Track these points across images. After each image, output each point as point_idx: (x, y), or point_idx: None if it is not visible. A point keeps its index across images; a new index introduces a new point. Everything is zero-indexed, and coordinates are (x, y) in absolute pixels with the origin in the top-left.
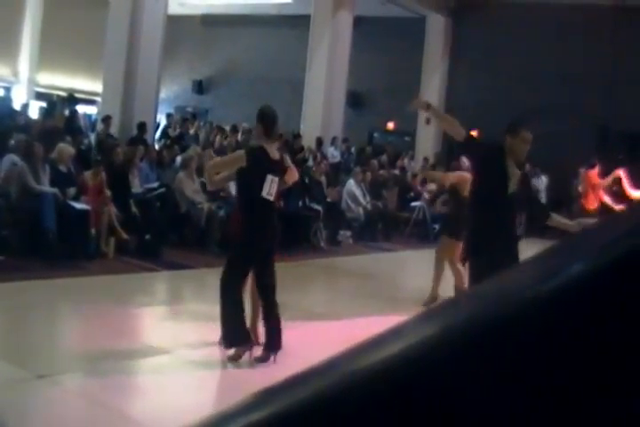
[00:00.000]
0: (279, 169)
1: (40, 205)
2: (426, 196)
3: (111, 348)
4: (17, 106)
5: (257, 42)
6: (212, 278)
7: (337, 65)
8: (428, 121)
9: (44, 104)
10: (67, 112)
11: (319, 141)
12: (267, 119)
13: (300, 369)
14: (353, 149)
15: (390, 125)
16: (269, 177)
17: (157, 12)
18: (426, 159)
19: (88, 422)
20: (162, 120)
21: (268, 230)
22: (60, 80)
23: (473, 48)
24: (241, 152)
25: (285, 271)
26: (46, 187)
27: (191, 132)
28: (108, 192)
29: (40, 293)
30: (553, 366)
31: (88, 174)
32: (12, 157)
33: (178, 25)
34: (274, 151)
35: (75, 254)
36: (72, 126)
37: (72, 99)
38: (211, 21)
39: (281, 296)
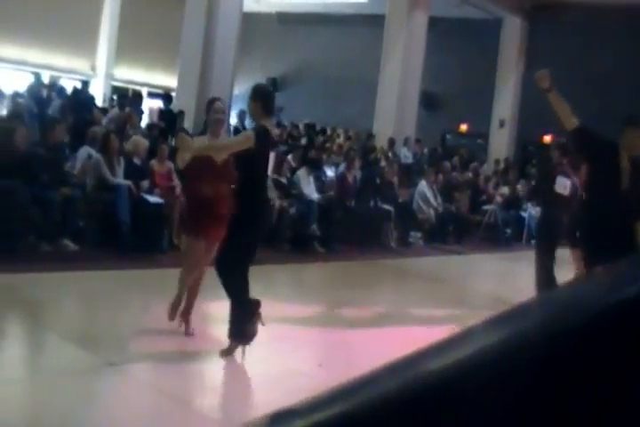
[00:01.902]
0: (276, 145)
1: (115, 197)
2: (498, 199)
3: (180, 340)
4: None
5: (332, 41)
6: (281, 275)
7: (411, 65)
8: (501, 124)
9: (116, 97)
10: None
11: (391, 142)
12: (265, 96)
13: (368, 368)
14: (425, 150)
15: (463, 127)
16: (272, 155)
17: (233, 9)
18: (497, 162)
19: (154, 411)
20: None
21: (269, 207)
22: (136, 75)
23: (549, 50)
24: (250, 133)
25: (354, 270)
26: (121, 179)
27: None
28: (177, 182)
29: (113, 283)
30: (626, 372)
31: (154, 162)
32: (88, 149)
33: (253, 22)
34: (273, 129)
35: (148, 247)
36: (170, 124)
37: (168, 97)
38: (286, 19)
39: (348, 294)
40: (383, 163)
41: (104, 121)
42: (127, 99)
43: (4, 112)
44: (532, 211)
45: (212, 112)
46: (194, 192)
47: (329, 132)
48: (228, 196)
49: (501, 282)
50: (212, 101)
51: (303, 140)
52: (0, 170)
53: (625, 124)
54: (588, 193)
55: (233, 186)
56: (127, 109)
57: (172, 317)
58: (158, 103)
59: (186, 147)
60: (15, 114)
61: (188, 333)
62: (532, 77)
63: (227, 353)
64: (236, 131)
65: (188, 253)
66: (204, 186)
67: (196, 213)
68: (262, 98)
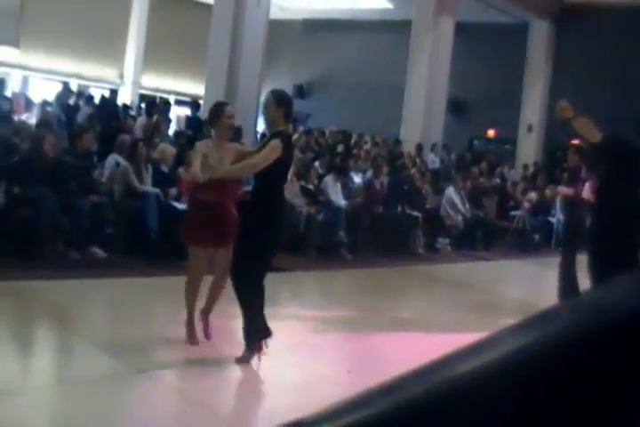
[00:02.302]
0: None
1: (143, 204)
2: (526, 205)
3: (209, 347)
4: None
5: (358, 47)
6: (308, 282)
7: (438, 71)
8: (529, 129)
9: (143, 106)
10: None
11: (419, 148)
12: (288, 103)
13: (393, 374)
14: (453, 156)
15: (491, 133)
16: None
17: (259, 17)
18: (525, 167)
19: (182, 418)
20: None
21: (286, 215)
22: (164, 83)
23: (576, 54)
24: (278, 143)
25: (382, 276)
26: (149, 187)
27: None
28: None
29: (141, 290)
30: None
31: (182, 169)
32: (116, 157)
33: (279, 29)
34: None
35: (176, 254)
36: (197, 131)
37: (196, 105)
38: (312, 26)
39: (375, 300)
40: (413, 170)
41: (135, 129)
42: (155, 106)
43: (34, 120)
44: (560, 216)
45: (223, 117)
46: (192, 197)
47: (355, 138)
48: (231, 202)
49: (530, 288)
50: (221, 106)
51: (340, 148)
52: (29, 178)
53: None
54: (607, 198)
55: (247, 190)
56: (155, 117)
57: (192, 339)
58: (186, 111)
59: (213, 173)
60: (44, 122)
61: (206, 335)
62: (561, 83)
63: (241, 360)
64: (264, 137)
65: (189, 262)
66: (202, 191)
67: (193, 220)
68: (286, 104)
